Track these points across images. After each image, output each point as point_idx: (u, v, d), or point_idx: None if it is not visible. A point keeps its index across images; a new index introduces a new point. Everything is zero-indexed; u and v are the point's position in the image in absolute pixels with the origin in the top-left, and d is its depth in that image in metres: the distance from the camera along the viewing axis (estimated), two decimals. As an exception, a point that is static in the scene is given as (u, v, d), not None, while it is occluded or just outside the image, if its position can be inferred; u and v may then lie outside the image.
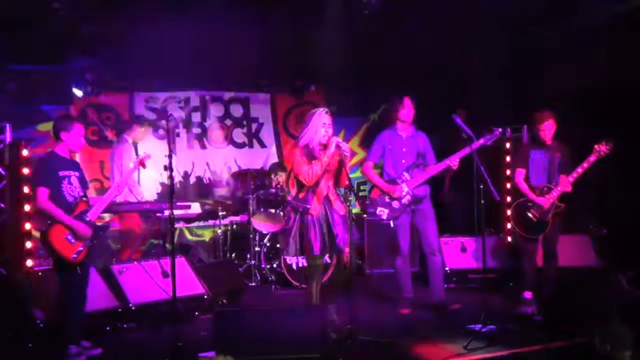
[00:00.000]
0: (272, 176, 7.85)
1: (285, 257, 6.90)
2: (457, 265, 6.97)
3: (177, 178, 8.42)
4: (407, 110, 5.76)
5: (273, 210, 7.37)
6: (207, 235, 8.48)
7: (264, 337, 4.33)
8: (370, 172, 5.91)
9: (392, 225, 5.72)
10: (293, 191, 5.09)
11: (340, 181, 5.05)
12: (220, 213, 7.73)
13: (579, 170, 5.57)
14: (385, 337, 4.87)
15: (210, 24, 6.52)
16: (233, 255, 7.64)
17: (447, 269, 6.72)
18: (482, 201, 5.29)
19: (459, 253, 7.07)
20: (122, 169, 6.67)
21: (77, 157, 5.68)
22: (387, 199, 5.73)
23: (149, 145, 7.17)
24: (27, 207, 6.12)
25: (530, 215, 5.70)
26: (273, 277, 7.17)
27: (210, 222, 8.20)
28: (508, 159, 7.29)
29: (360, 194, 8.53)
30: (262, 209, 7.45)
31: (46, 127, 7.54)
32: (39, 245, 5.59)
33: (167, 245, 6.83)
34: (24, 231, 6.13)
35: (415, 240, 5.94)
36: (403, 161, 5.77)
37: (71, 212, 4.65)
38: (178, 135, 8.59)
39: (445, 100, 7.20)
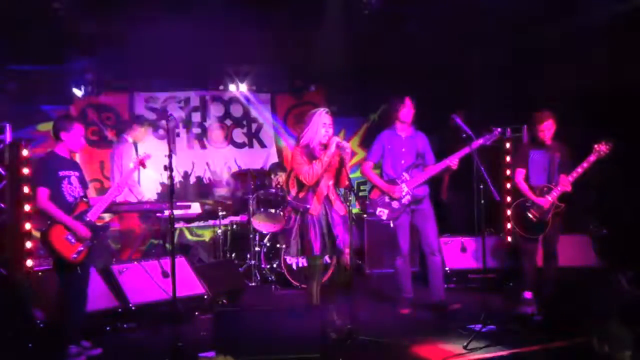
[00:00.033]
0: (272, 176, 7.84)
1: (286, 257, 6.90)
2: (457, 265, 6.97)
3: (177, 178, 8.43)
4: (407, 110, 5.76)
5: (273, 210, 7.36)
6: (207, 235, 8.48)
7: (264, 337, 4.33)
8: (369, 172, 5.91)
9: (392, 225, 5.72)
10: (293, 191, 5.09)
11: (341, 181, 5.05)
12: (220, 213, 7.74)
13: (579, 170, 5.57)
14: (385, 337, 4.87)
15: (210, 24, 6.52)
16: (233, 255, 7.64)
17: (447, 269, 6.72)
18: (482, 201, 5.29)
19: (459, 253, 7.07)
20: (122, 169, 6.67)
21: (77, 157, 5.68)
22: (386, 199, 5.73)
23: (149, 145, 7.16)
24: (27, 207, 6.12)
25: (530, 215, 5.70)
26: (273, 277, 7.17)
27: (210, 222, 8.20)
28: (508, 159, 7.29)
29: (360, 194, 8.53)
30: (262, 209, 7.45)
31: (46, 127, 7.54)
32: (39, 245, 5.58)
33: (167, 245, 6.83)
34: (24, 231, 6.13)
35: (415, 240, 5.93)
36: (402, 161, 5.77)
37: (71, 212, 4.65)
38: (178, 135, 8.60)
39: (445, 100, 7.20)
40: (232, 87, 8.65)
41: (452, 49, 7.23)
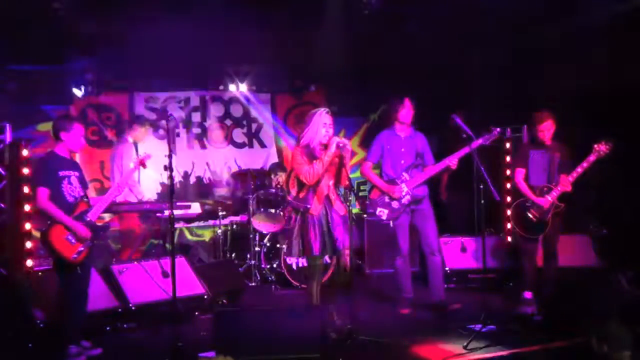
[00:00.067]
0: (272, 176, 7.85)
1: (287, 257, 6.91)
2: (457, 265, 6.97)
3: (177, 178, 8.43)
4: (407, 111, 5.76)
5: (273, 210, 7.37)
6: (207, 235, 8.48)
7: (264, 337, 4.33)
8: (369, 173, 5.92)
9: (391, 225, 5.72)
10: (293, 191, 5.09)
11: (341, 180, 5.05)
12: (220, 213, 7.73)
13: (579, 169, 5.57)
14: (385, 337, 4.87)
15: (210, 24, 6.52)
16: (233, 255, 7.64)
17: (447, 269, 6.72)
18: (482, 201, 5.29)
19: (459, 253, 7.07)
20: (123, 169, 6.67)
21: (77, 157, 5.67)
22: (386, 199, 5.73)
23: (149, 145, 7.17)
24: (27, 207, 6.11)
25: (530, 215, 5.70)
26: (273, 277, 7.17)
27: (210, 222, 8.20)
28: (508, 159, 7.29)
29: (360, 194, 8.53)
30: (262, 209, 7.45)
31: (46, 127, 7.54)
32: (39, 245, 5.58)
33: (167, 245, 6.83)
34: (24, 231, 6.13)
35: (415, 240, 5.93)
36: (402, 161, 5.77)
37: (72, 213, 4.65)
38: (178, 135, 8.60)
39: (445, 100, 7.20)
40: (232, 87, 8.65)
41: (452, 49, 7.23)
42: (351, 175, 5.06)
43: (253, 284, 7.23)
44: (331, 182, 5.04)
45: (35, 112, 7.74)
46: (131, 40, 6.55)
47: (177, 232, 8.18)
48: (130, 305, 5.50)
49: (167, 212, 5.54)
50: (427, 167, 5.79)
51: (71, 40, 6.80)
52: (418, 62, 7.53)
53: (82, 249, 4.62)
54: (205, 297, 5.90)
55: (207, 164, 8.71)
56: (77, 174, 4.82)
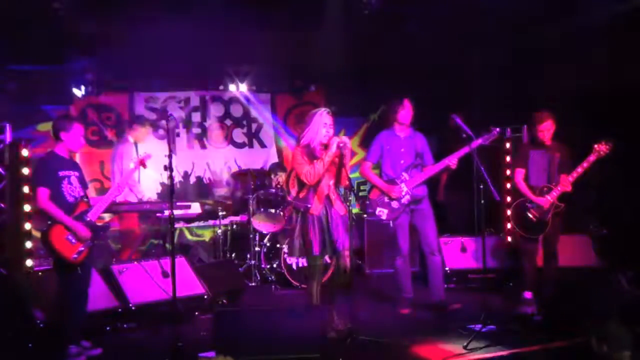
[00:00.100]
0: (272, 176, 7.85)
1: (287, 257, 6.92)
2: (457, 265, 6.97)
3: (177, 178, 8.43)
4: (406, 112, 5.76)
5: (273, 210, 7.37)
6: (207, 235, 8.48)
7: (264, 337, 4.33)
8: (368, 172, 5.92)
9: (391, 225, 5.72)
10: (293, 191, 5.09)
11: (341, 180, 5.05)
12: (220, 213, 7.73)
13: (579, 169, 5.57)
14: (385, 337, 4.87)
15: (210, 24, 6.52)
16: (233, 255, 7.64)
17: (447, 269, 6.72)
18: (482, 201, 5.29)
19: (459, 253, 7.07)
20: (123, 168, 6.67)
21: (77, 157, 5.68)
22: (386, 199, 5.73)
23: (149, 145, 7.17)
24: (27, 207, 6.12)
25: (530, 215, 5.70)
26: (273, 277, 7.17)
27: (210, 222, 8.20)
28: (508, 159, 7.29)
29: (360, 194, 8.53)
30: (262, 209, 7.45)
31: (46, 127, 7.55)
32: (39, 245, 5.58)
33: (167, 245, 6.83)
34: (24, 231, 6.13)
35: (415, 240, 5.94)
36: (402, 162, 5.77)
37: (72, 213, 4.65)
38: (178, 135, 8.59)
39: (445, 100, 7.19)
40: (232, 87, 8.65)
41: (452, 49, 7.23)
42: (351, 175, 5.05)
43: (253, 284, 7.23)
44: (332, 182, 5.04)
45: (35, 112, 7.74)
46: (131, 40, 6.55)
47: (177, 232, 8.18)
48: (130, 305, 5.50)
49: (167, 212, 5.54)
50: (427, 167, 5.79)
51: (71, 40, 6.80)
52: (418, 62, 7.53)
53: (83, 249, 4.62)
54: (205, 297, 5.90)
55: (207, 164, 8.71)
56: (77, 174, 4.82)
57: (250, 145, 8.97)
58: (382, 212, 5.71)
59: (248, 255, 7.41)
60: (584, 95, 6.31)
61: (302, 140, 5.02)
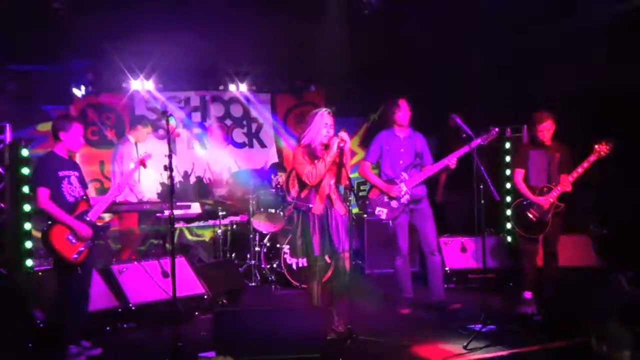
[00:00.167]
0: (272, 176, 7.85)
1: (288, 257, 6.92)
2: (457, 265, 6.97)
3: (177, 178, 8.43)
4: (403, 112, 5.76)
5: (273, 210, 7.37)
6: (207, 235, 8.48)
7: (264, 337, 4.33)
8: (368, 172, 5.92)
9: (391, 224, 5.72)
10: (293, 191, 5.09)
11: (341, 180, 5.05)
12: (220, 213, 7.73)
13: (579, 169, 5.57)
14: (385, 337, 4.87)
15: (210, 24, 6.52)
16: (233, 255, 7.64)
17: (447, 269, 6.72)
18: (482, 201, 5.29)
19: (458, 253, 7.07)
20: (123, 168, 6.67)
21: (77, 157, 5.68)
22: (385, 199, 5.73)
23: (149, 145, 7.17)
24: (27, 207, 6.12)
25: (530, 215, 5.70)
26: (273, 277, 7.17)
27: (210, 222, 8.21)
28: (508, 159, 7.30)
29: (360, 194, 8.53)
30: (262, 209, 7.45)
31: (46, 127, 7.54)
32: (39, 245, 5.58)
33: (167, 245, 6.83)
34: (24, 231, 6.13)
35: (415, 240, 5.94)
36: (401, 161, 5.77)
37: (72, 212, 4.65)
38: (178, 135, 8.59)
39: (445, 100, 7.20)
40: (232, 87, 8.65)
41: (452, 49, 7.23)
42: (351, 175, 5.05)
43: (253, 284, 7.22)
44: (332, 182, 5.03)
45: (35, 112, 7.74)
46: (131, 40, 6.55)
47: (177, 232, 8.18)
48: (130, 305, 5.50)
49: (167, 212, 5.54)
50: (426, 167, 5.79)
51: (71, 40, 6.80)
52: (418, 62, 7.53)
53: (83, 249, 4.62)
54: (205, 297, 5.90)
55: (207, 164, 8.71)
56: (76, 173, 4.81)
57: (251, 145, 8.97)
58: (382, 212, 5.71)
59: (248, 255, 7.41)
60: (584, 95, 6.31)
61: (303, 140, 5.02)
